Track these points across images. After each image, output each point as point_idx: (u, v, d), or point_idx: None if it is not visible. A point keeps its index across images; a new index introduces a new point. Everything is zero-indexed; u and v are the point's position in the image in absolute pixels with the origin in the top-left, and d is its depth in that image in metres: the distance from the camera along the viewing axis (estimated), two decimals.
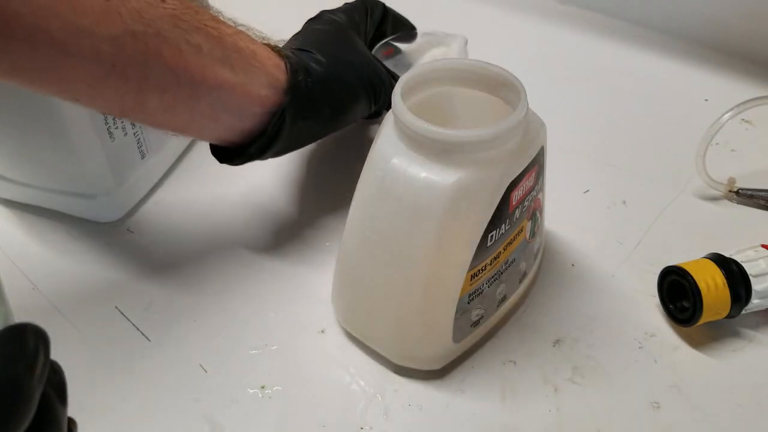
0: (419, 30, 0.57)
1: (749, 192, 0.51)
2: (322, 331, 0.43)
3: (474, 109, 0.40)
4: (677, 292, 0.42)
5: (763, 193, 0.50)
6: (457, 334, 0.39)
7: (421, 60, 0.55)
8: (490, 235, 0.36)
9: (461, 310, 0.38)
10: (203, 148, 0.58)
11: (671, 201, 0.52)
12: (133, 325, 0.44)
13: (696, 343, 0.42)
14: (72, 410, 0.26)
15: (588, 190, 0.53)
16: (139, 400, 0.40)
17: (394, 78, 0.47)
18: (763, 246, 0.42)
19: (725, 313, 0.40)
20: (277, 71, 0.41)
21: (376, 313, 0.40)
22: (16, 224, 0.51)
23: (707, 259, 0.41)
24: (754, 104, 0.49)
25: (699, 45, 0.67)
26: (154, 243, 0.50)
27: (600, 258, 0.47)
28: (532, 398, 0.39)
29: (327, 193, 0.53)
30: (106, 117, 0.46)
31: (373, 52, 0.54)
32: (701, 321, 0.40)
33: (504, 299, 0.41)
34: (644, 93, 0.63)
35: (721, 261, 0.41)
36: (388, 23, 0.54)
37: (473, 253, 0.36)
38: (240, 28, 0.41)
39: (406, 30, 0.55)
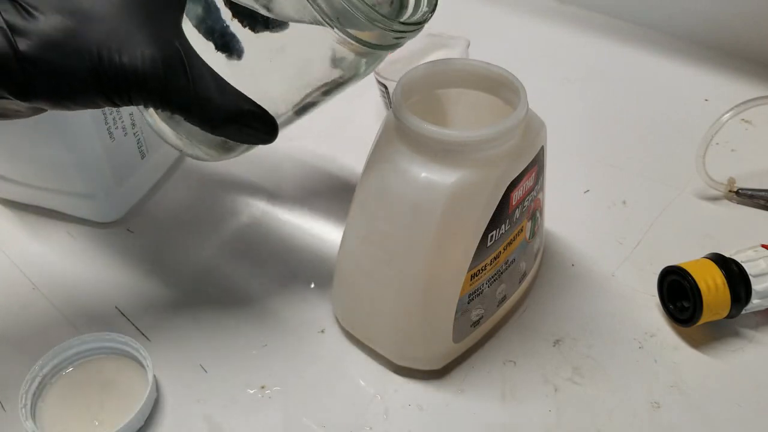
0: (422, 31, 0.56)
1: (749, 192, 0.51)
2: (322, 331, 0.43)
3: (474, 109, 0.40)
4: (677, 292, 0.42)
5: (763, 193, 0.50)
6: (457, 334, 0.39)
7: (423, 61, 0.55)
8: (490, 235, 0.36)
9: (461, 310, 0.38)
10: None
11: (671, 201, 0.52)
12: (133, 325, 0.44)
13: (696, 343, 0.42)
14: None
15: (588, 190, 0.53)
16: None
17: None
18: (763, 246, 0.42)
19: (725, 313, 0.40)
20: None
21: (376, 313, 0.40)
22: (16, 224, 0.51)
23: (707, 259, 0.41)
24: (754, 104, 0.49)
25: (699, 45, 0.67)
26: (154, 243, 0.50)
27: (600, 258, 0.47)
28: (532, 398, 0.39)
29: (327, 192, 0.53)
30: (106, 117, 0.46)
31: None
32: (701, 321, 0.40)
33: (504, 299, 0.41)
34: (644, 93, 0.63)
35: (721, 261, 0.41)
36: None
37: (473, 253, 0.36)
38: None
39: None
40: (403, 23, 0.31)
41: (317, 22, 0.30)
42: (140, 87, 0.30)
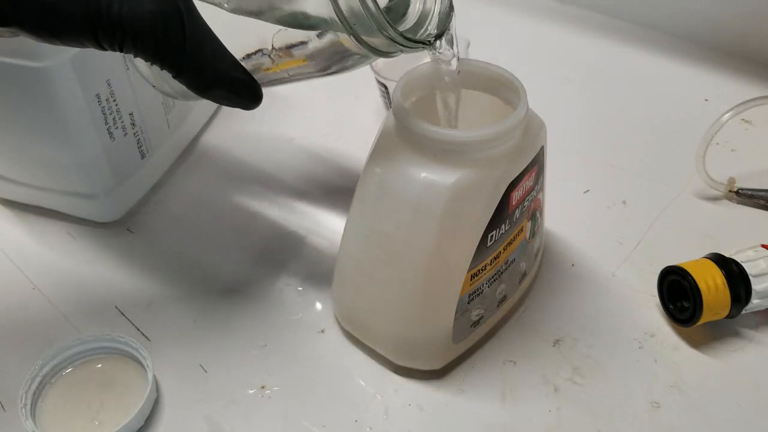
0: None
1: (749, 192, 0.51)
2: (322, 331, 0.43)
3: (474, 109, 0.40)
4: (677, 292, 0.42)
5: (763, 193, 0.50)
6: (457, 334, 0.39)
7: (423, 61, 0.55)
8: (490, 235, 0.36)
9: (461, 310, 0.38)
10: (203, 148, 0.58)
11: (671, 201, 0.52)
12: (133, 325, 0.44)
13: (696, 343, 0.42)
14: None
15: (588, 190, 0.53)
16: None
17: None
18: (763, 246, 0.42)
19: (725, 313, 0.40)
20: None
21: (376, 312, 0.40)
22: (16, 224, 0.51)
23: (707, 259, 0.41)
24: (754, 104, 0.49)
25: (699, 45, 0.67)
26: (154, 243, 0.50)
27: (600, 258, 0.47)
28: (532, 398, 0.39)
29: (327, 192, 0.53)
30: (106, 117, 0.46)
31: None
32: (701, 321, 0.40)
33: (504, 299, 0.41)
34: (644, 93, 0.63)
35: (721, 261, 0.41)
36: None
37: (473, 253, 0.36)
38: None
39: None
40: (408, 39, 0.31)
41: (332, 21, 0.30)
42: (134, 40, 0.29)
